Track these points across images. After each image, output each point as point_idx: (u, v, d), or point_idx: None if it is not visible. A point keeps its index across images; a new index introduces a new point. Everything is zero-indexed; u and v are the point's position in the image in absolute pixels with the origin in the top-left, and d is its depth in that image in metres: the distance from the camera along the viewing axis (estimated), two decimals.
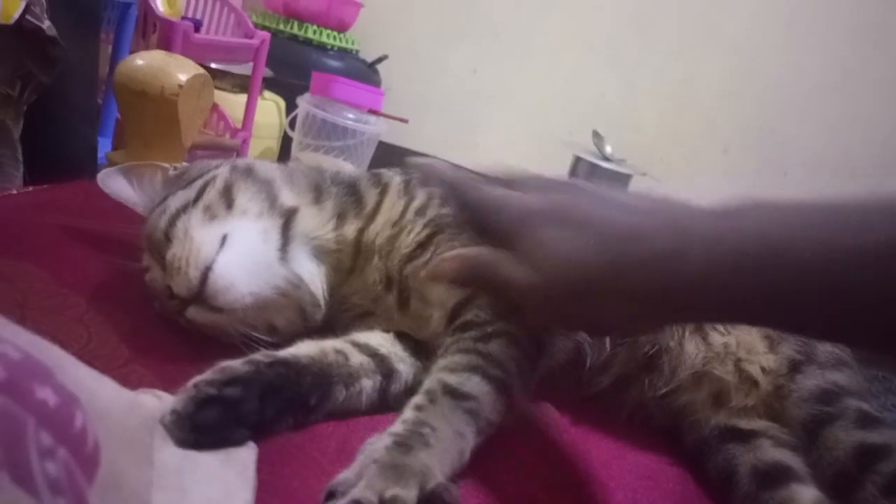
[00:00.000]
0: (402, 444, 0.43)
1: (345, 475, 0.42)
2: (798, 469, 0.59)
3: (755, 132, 2.31)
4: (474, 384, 0.49)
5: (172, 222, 0.57)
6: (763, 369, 0.66)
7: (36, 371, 0.30)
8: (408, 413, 0.47)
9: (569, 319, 0.49)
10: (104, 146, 1.29)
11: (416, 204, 0.63)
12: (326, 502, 0.40)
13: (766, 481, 0.58)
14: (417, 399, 0.48)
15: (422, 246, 0.61)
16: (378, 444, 0.43)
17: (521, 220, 0.48)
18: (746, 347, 0.67)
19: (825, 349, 0.67)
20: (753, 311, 0.42)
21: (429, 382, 0.50)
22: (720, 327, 0.68)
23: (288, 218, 0.61)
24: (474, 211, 0.53)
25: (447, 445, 0.45)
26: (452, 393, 0.48)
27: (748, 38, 2.27)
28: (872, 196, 0.39)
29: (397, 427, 0.45)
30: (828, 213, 0.40)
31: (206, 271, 0.54)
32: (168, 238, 0.57)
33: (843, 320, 0.39)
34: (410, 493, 0.39)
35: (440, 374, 0.50)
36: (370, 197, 0.65)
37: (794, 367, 0.65)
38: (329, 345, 0.56)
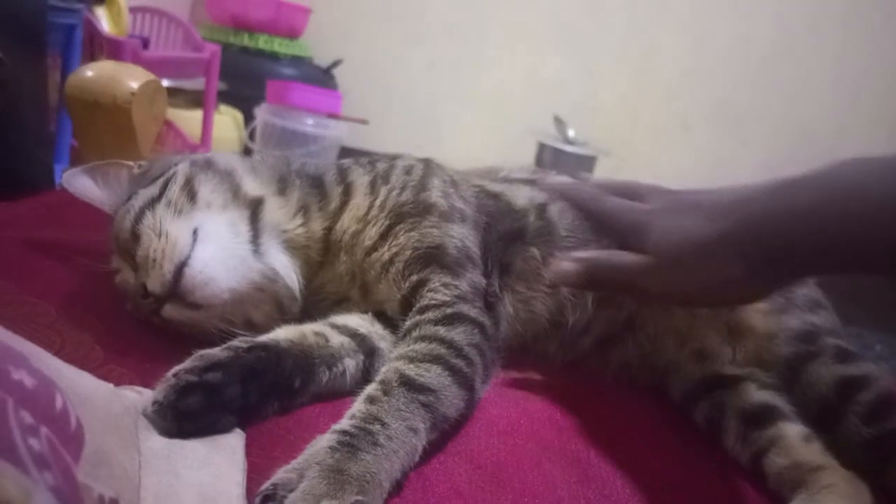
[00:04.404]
0: (348, 445, 0.41)
1: (286, 474, 0.40)
2: (783, 408, 0.60)
3: (712, 106, 2.36)
4: (434, 376, 0.48)
5: (138, 220, 0.56)
6: (752, 318, 0.66)
7: (9, 355, 0.30)
8: (359, 406, 0.45)
9: (688, 291, 0.51)
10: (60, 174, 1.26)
11: (379, 201, 0.64)
12: None
13: (755, 422, 0.59)
14: (371, 390, 0.46)
15: (383, 237, 0.61)
16: (324, 443, 0.41)
17: (641, 222, 0.52)
18: None
19: (802, 293, 0.69)
20: (860, 254, 0.44)
21: (385, 371, 0.48)
22: None
23: (254, 209, 0.60)
24: (598, 218, 0.57)
25: (398, 444, 0.42)
26: (409, 384, 0.46)
27: (698, 14, 2.32)
28: None
29: (345, 423, 0.43)
30: None
31: (182, 266, 0.53)
32: (136, 236, 0.56)
33: None
34: None
35: (398, 363, 0.49)
36: (335, 194, 0.65)
37: (781, 310, 0.67)
38: (308, 328, 0.55)
